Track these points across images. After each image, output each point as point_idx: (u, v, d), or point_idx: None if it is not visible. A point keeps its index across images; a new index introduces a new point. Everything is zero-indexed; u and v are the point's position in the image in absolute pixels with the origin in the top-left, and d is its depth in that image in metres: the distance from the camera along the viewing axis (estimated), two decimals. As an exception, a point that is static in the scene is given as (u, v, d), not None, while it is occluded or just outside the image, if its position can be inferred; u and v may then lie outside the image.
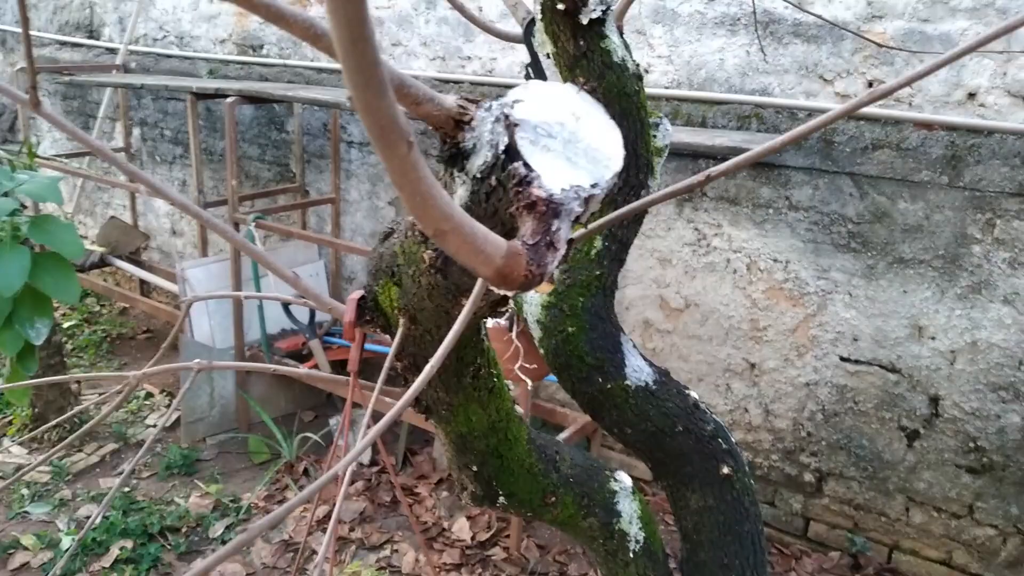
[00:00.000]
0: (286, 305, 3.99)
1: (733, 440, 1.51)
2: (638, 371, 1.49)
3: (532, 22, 1.36)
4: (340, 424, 1.45)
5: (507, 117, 0.67)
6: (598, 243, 1.43)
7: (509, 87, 3.46)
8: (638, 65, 1.33)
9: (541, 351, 1.52)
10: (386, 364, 1.05)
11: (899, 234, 2.80)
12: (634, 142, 1.32)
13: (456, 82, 3.90)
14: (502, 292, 0.67)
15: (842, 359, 3.00)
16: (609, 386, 1.46)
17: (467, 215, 0.61)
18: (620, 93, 1.30)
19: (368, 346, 4.01)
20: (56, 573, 1.55)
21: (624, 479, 1.44)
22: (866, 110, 2.85)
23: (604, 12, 1.26)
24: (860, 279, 2.91)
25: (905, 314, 2.84)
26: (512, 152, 0.67)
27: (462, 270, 0.86)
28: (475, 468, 1.22)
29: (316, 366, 3.90)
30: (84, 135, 0.70)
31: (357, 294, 1.08)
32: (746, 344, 3.19)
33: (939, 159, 2.68)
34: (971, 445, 2.78)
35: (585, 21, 1.26)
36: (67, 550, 3.03)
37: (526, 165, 0.66)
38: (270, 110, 4.49)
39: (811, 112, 2.96)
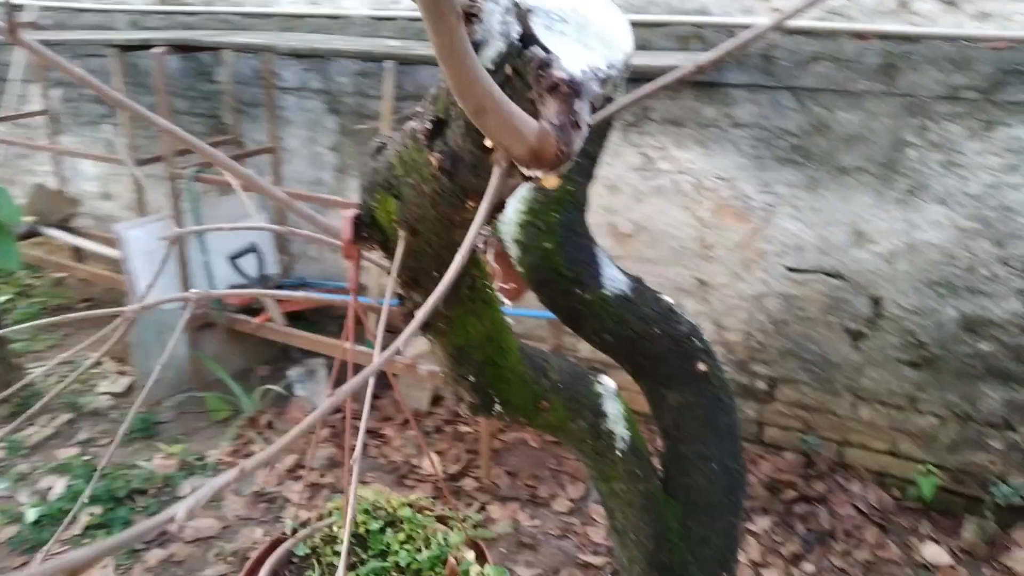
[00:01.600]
0: (233, 259, 3.92)
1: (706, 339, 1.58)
2: (614, 280, 1.53)
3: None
4: (335, 367, 1.44)
5: (518, 6, 0.68)
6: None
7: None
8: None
9: (520, 270, 1.55)
10: (389, 288, 1.06)
11: (839, 144, 2.90)
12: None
13: (390, 19, 3.82)
14: (532, 173, 0.69)
15: (788, 269, 3.12)
16: (588, 297, 1.50)
17: (504, 95, 0.62)
18: None
19: (320, 293, 3.98)
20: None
21: (607, 382, 1.49)
22: (803, 23, 2.91)
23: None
24: (803, 191, 3.01)
25: (847, 221, 2.96)
26: (528, 38, 0.68)
27: (470, 170, 0.87)
28: (472, 378, 1.25)
29: (270, 319, 3.86)
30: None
31: (351, 212, 1.08)
32: (696, 263, 3.29)
33: (875, 68, 2.77)
34: (912, 341, 2.95)
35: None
36: (33, 522, 2.99)
37: (545, 49, 0.68)
38: (198, 60, 4.33)
39: (747, 28, 3.00)
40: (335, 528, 1.51)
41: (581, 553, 2.84)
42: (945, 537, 2.82)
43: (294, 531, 1.62)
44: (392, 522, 1.57)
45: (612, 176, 3.34)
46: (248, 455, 3.47)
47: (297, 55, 3.87)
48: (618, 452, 1.49)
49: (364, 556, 1.44)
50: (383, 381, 3.97)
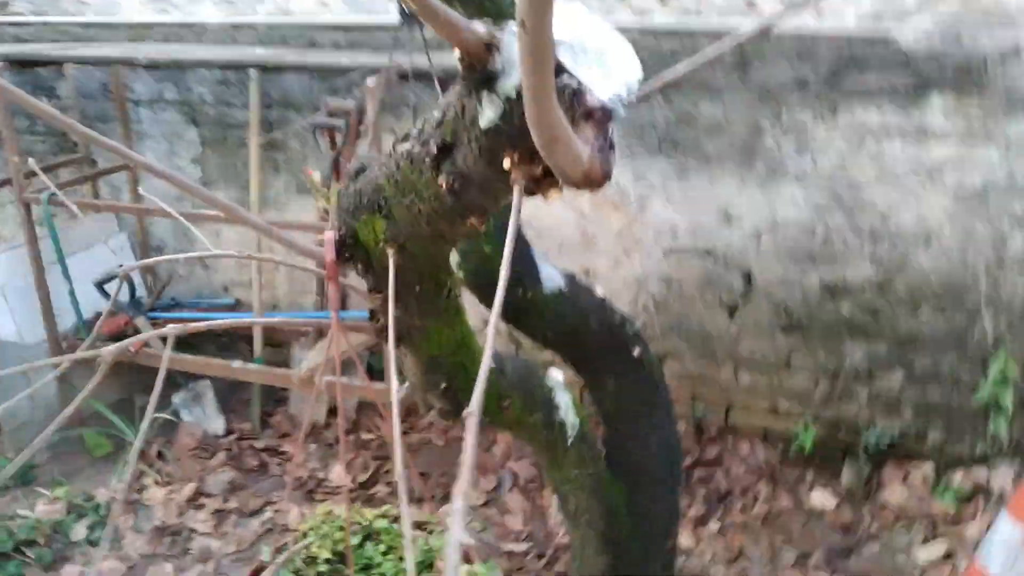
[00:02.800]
0: (100, 284, 3.69)
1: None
2: (551, 278, 1.62)
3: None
4: (319, 367, 1.43)
5: None
6: None
7: (310, 27, 3.39)
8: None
9: (460, 274, 1.60)
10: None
11: (703, 134, 3.13)
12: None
13: (249, 25, 3.72)
14: (582, 191, 0.76)
15: (666, 252, 3.34)
16: (529, 295, 1.58)
17: (568, 126, 0.69)
18: (498, 16, 1.38)
19: (198, 314, 3.83)
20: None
21: (556, 374, 1.58)
22: (662, 23, 3.11)
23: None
24: (674, 179, 3.22)
25: (715, 204, 3.20)
26: (558, 68, 0.75)
27: (478, 190, 0.93)
28: (444, 385, 1.30)
29: (147, 345, 3.67)
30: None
31: (331, 233, 1.10)
32: (581, 253, 3.44)
33: (730, 63, 3.01)
34: (781, 309, 3.24)
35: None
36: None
37: (576, 79, 0.74)
38: (35, 75, 4.02)
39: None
40: (314, 548, 1.51)
41: (504, 543, 2.93)
42: (828, 482, 3.14)
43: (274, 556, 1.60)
44: (369, 535, 1.59)
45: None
46: (141, 489, 3.31)
47: (156, 66, 3.68)
48: (569, 441, 1.58)
49: (348, 572, 1.45)
50: (273, 397, 3.88)
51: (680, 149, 3.17)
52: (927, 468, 3.14)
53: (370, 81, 2.63)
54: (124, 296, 3.78)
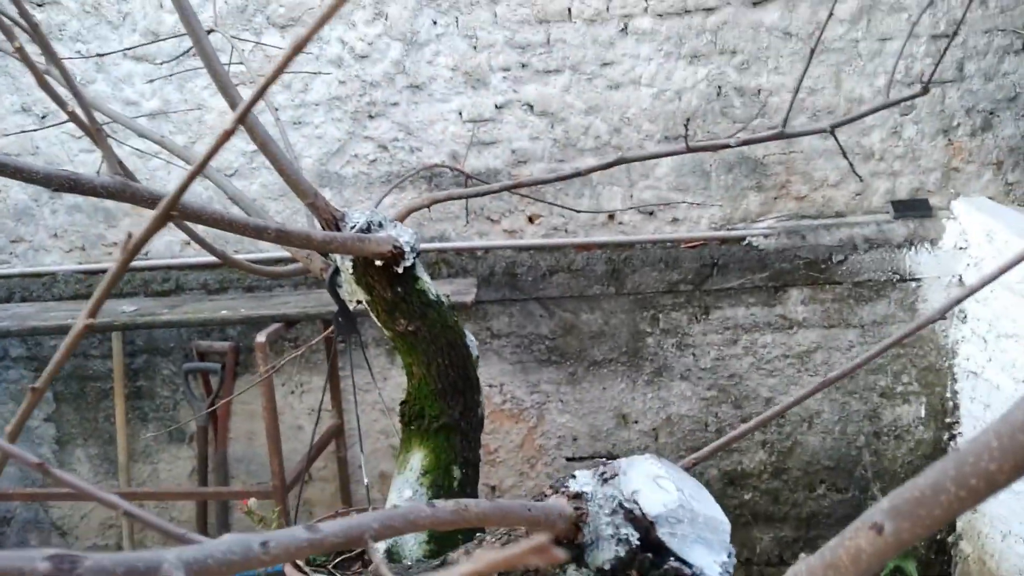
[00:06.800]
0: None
1: None
2: None
3: (336, 272, 1.37)
4: None
5: (630, 512, 0.71)
6: (456, 472, 1.46)
7: (171, 268, 3.25)
8: (447, 296, 1.41)
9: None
10: None
11: (588, 341, 3.21)
12: (464, 367, 1.40)
13: (103, 271, 3.54)
14: None
15: (568, 459, 3.32)
16: None
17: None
18: (444, 326, 1.37)
19: None
20: None
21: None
22: (533, 241, 3.24)
23: (415, 258, 1.33)
24: (566, 386, 3.26)
25: (610, 407, 3.25)
26: (656, 547, 0.71)
27: None
28: None
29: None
30: None
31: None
32: (483, 470, 3.35)
33: (604, 273, 3.15)
34: (687, 503, 3.25)
35: (400, 270, 1.31)
36: None
37: (686, 563, 0.70)
38: None
39: (487, 250, 3.26)
40: None
41: None
42: None
43: None
44: None
45: (387, 398, 3.33)
46: None
47: (19, 335, 3.39)
48: None
49: None
50: None
51: (568, 357, 3.23)
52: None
53: (260, 337, 2.53)
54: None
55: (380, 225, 1.30)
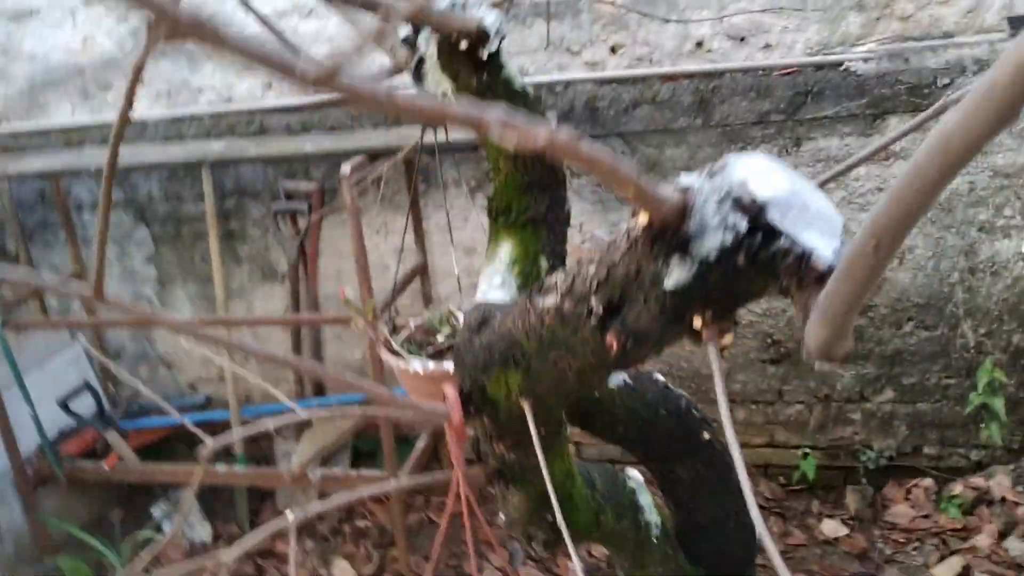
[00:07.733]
0: (64, 404, 3.49)
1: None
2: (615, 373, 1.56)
3: (421, 61, 1.35)
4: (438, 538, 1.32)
5: (739, 199, 0.70)
6: (544, 263, 1.47)
7: (254, 112, 3.28)
8: (533, 87, 1.38)
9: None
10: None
11: (672, 177, 3.13)
12: (551, 161, 1.38)
13: (193, 117, 3.61)
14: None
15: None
16: (597, 395, 1.50)
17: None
18: (530, 117, 1.34)
19: (169, 419, 3.64)
20: None
21: (635, 475, 1.53)
22: (615, 73, 3.12)
23: (500, 42, 1.29)
24: (647, 224, 3.22)
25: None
26: (768, 230, 0.70)
27: (653, 346, 0.87)
28: (550, 517, 1.22)
29: (120, 459, 3.48)
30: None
31: (453, 391, 1.04)
32: (562, 307, 3.40)
33: (690, 105, 3.04)
34: (768, 341, 3.24)
35: (485, 56, 1.28)
36: None
37: (796, 243, 0.69)
38: (-35, 190, 3.82)
39: (568, 84, 3.17)
40: None
41: (528, 620, 2.83)
42: (834, 510, 3.13)
43: None
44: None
45: (466, 239, 3.37)
46: (133, 617, 3.10)
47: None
48: (654, 540, 1.52)
49: None
50: (258, 495, 3.71)
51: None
52: (927, 483, 3.16)
53: (345, 168, 2.56)
54: (90, 410, 3.59)
55: (464, 7, 1.26)
